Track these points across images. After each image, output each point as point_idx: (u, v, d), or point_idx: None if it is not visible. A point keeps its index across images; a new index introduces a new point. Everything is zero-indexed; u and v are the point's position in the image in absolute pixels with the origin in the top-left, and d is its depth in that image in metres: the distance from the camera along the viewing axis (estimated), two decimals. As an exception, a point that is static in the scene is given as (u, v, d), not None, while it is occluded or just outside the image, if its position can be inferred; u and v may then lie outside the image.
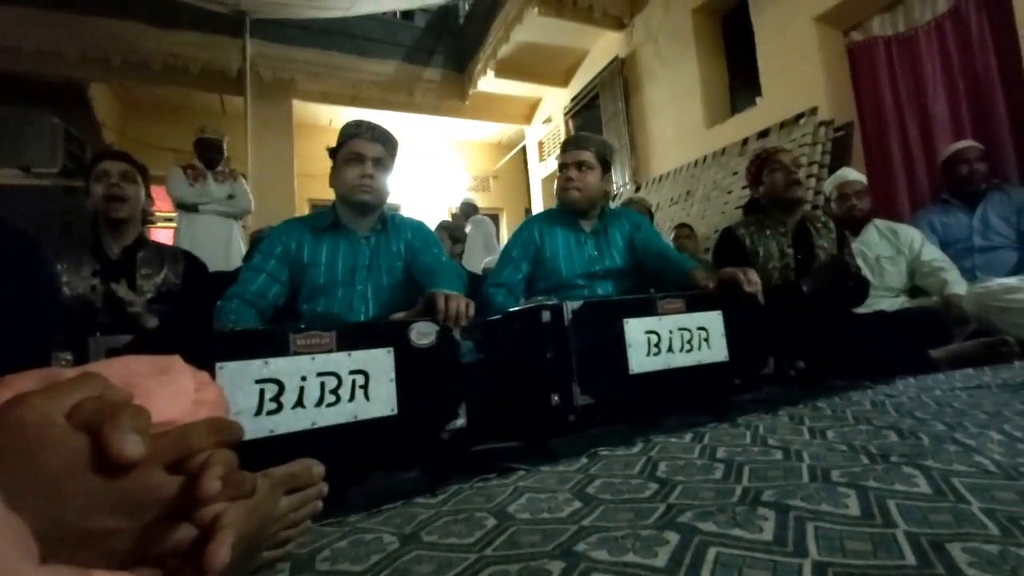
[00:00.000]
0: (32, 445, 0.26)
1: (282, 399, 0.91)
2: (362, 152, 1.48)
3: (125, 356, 0.56)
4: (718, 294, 1.41)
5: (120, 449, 0.27)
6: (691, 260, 1.76)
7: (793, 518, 0.58)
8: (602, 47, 5.48)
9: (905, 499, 0.61)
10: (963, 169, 2.39)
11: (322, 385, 0.95)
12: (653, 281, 1.75)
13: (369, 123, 1.55)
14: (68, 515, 0.26)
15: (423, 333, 1.08)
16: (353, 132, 1.52)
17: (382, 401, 1.00)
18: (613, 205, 2.06)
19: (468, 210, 5.11)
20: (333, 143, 1.57)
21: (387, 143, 1.55)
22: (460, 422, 1.08)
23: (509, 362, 1.31)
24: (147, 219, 1.82)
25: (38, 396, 0.28)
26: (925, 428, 0.92)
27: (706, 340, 1.33)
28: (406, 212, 6.59)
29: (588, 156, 1.79)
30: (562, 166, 1.81)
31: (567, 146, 1.86)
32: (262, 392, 0.89)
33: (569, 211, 1.82)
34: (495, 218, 7.96)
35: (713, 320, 1.35)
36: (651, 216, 3.16)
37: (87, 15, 4.48)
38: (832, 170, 2.99)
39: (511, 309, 1.39)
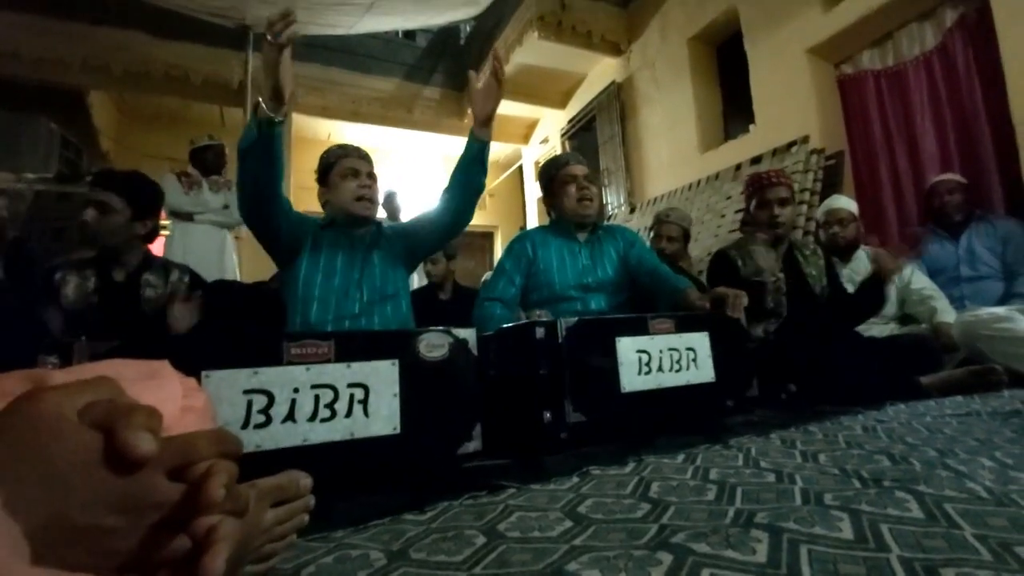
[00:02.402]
0: (45, 437, 0.27)
1: (271, 412, 0.87)
2: (357, 167, 1.60)
3: (113, 360, 0.55)
4: (704, 316, 1.42)
5: (134, 445, 0.28)
6: (685, 279, 1.77)
7: (787, 541, 0.57)
8: (600, 71, 5.59)
9: (898, 523, 0.60)
10: (935, 201, 2.50)
11: (316, 398, 0.90)
12: (646, 297, 1.75)
13: (354, 146, 1.69)
14: (71, 508, 0.27)
15: (434, 345, 1.01)
16: (342, 153, 1.64)
17: (383, 418, 0.95)
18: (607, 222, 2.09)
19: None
20: None
21: (371, 163, 1.68)
22: (474, 444, 1.01)
23: (501, 378, 1.30)
24: (149, 237, 1.77)
25: (54, 392, 0.29)
26: (917, 454, 0.92)
27: (694, 360, 1.33)
28: (403, 217, 6.59)
29: (588, 170, 1.87)
30: (570, 177, 1.82)
31: (571, 159, 1.88)
32: (250, 403, 0.86)
33: (566, 223, 1.85)
34: (490, 236, 8.00)
35: (700, 341, 1.36)
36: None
37: (91, 24, 4.51)
38: (823, 197, 3.04)
39: (505, 325, 1.38)
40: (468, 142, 1.59)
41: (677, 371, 1.30)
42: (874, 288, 1.87)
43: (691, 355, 1.33)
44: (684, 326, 1.34)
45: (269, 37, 1.20)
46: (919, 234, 1.79)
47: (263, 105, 1.25)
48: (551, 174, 1.88)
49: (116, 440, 0.28)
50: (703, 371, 1.34)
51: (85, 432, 0.28)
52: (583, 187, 1.80)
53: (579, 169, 1.84)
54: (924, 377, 1.69)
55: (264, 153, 1.30)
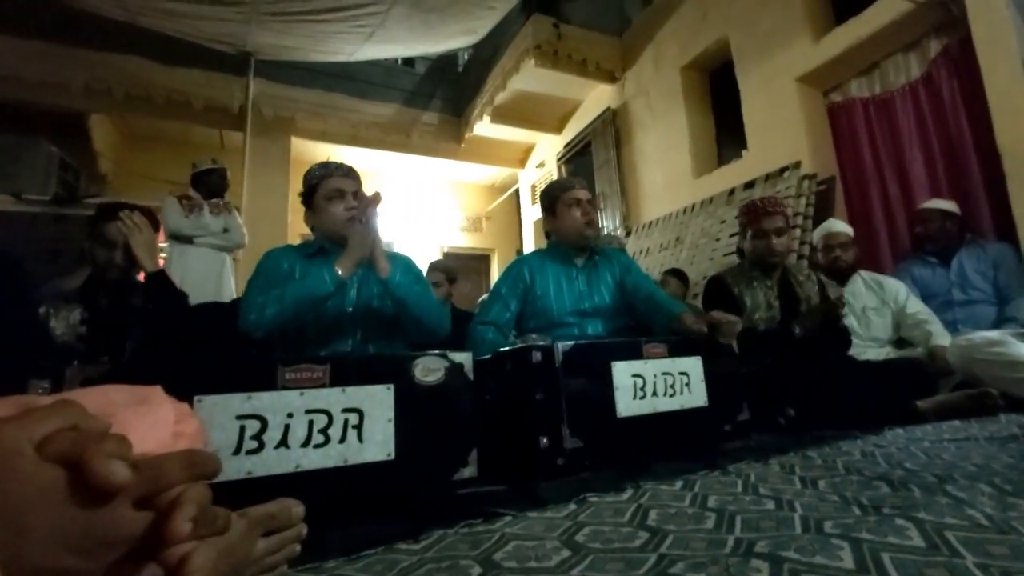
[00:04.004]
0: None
1: (264, 437, 0.86)
2: (342, 188, 1.53)
3: (104, 385, 0.54)
4: (695, 340, 1.42)
5: (107, 474, 0.26)
6: (681, 304, 1.77)
7: (788, 571, 0.56)
8: (595, 98, 5.70)
9: (899, 552, 0.59)
10: (918, 229, 2.55)
11: (310, 424, 0.88)
12: (643, 322, 1.75)
13: (336, 163, 1.61)
14: (28, 551, 0.25)
15: (430, 369, 1.00)
16: (324, 173, 1.57)
17: (377, 444, 0.93)
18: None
19: None
20: None
21: (357, 179, 1.61)
22: (469, 471, 0.99)
23: (497, 403, 1.29)
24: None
25: (7, 424, 0.27)
26: (916, 480, 0.91)
27: (687, 385, 1.33)
28: (398, 250, 6.62)
29: (591, 196, 1.86)
30: (575, 200, 1.81)
31: (576, 183, 1.87)
32: (242, 429, 0.85)
33: (564, 248, 1.84)
34: (486, 259, 8.03)
35: (693, 365, 1.36)
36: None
37: (94, 49, 4.59)
38: (816, 221, 3.08)
39: (501, 349, 1.38)
40: None
41: (671, 395, 1.30)
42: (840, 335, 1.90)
43: (684, 379, 1.33)
44: (676, 351, 1.34)
45: (361, 220, 1.35)
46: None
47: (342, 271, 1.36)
48: (554, 196, 1.87)
49: (86, 471, 0.26)
50: (696, 395, 1.34)
51: (43, 467, 0.26)
52: (587, 211, 1.80)
53: (583, 193, 1.83)
54: (921, 401, 1.69)
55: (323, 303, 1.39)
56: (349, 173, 1.58)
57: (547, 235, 1.94)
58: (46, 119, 4.77)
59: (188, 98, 4.96)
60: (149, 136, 5.74)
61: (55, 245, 3.41)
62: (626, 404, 1.21)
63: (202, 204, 3.30)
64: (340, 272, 1.36)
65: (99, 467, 0.26)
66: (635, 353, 1.27)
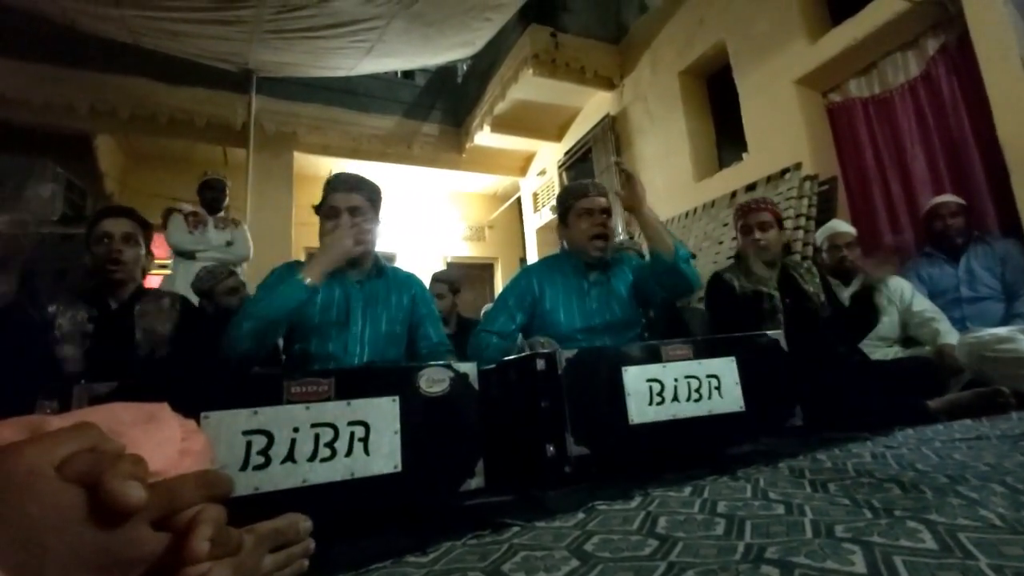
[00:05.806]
0: (19, 496, 0.26)
1: (270, 452, 0.86)
2: (336, 205, 1.49)
3: (111, 403, 0.55)
4: (729, 339, 1.34)
5: (123, 495, 0.26)
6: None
7: (798, 576, 0.56)
8: (594, 105, 5.73)
9: (912, 555, 0.59)
10: (938, 224, 2.51)
11: (316, 437, 0.88)
12: (652, 329, 1.73)
13: (346, 175, 1.56)
14: (48, 570, 0.25)
15: (435, 380, 1.00)
16: (331, 188, 1.53)
17: (384, 457, 0.92)
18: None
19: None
20: None
21: (363, 190, 1.53)
22: (476, 481, 0.99)
23: (503, 412, 1.29)
24: (145, 272, 1.80)
25: (28, 446, 0.27)
26: (927, 481, 0.90)
27: (717, 388, 1.25)
28: (401, 261, 6.63)
29: (608, 203, 1.76)
30: (586, 211, 1.71)
31: (591, 190, 1.76)
32: (249, 444, 0.85)
33: (576, 259, 1.77)
34: (490, 267, 8.04)
35: (725, 367, 1.27)
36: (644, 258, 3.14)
37: (99, 71, 4.66)
38: (819, 222, 3.07)
39: (506, 358, 1.37)
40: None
41: (697, 400, 1.22)
42: (865, 300, 1.88)
43: (713, 383, 1.24)
44: (704, 352, 1.27)
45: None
46: (903, 243, 1.82)
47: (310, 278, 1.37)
48: (567, 204, 1.78)
49: (102, 491, 0.26)
50: (728, 400, 1.25)
51: (62, 488, 0.27)
52: (598, 223, 1.69)
53: (597, 202, 1.71)
54: (931, 401, 1.67)
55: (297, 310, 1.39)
56: (352, 187, 1.52)
57: (561, 241, 1.89)
58: (52, 141, 4.83)
59: (191, 116, 5.03)
60: (153, 155, 5.81)
61: (62, 264, 3.45)
62: (640, 410, 1.17)
63: (207, 220, 3.35)
64: (307, 280, 1.37)
65: (116, 488, 0.27)
66: (653, 357, 1.22)
